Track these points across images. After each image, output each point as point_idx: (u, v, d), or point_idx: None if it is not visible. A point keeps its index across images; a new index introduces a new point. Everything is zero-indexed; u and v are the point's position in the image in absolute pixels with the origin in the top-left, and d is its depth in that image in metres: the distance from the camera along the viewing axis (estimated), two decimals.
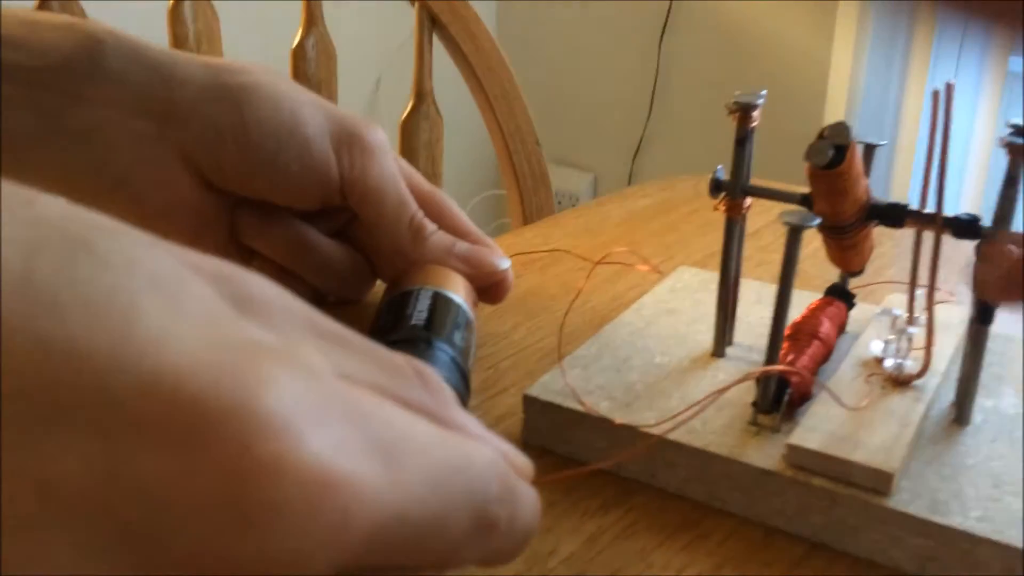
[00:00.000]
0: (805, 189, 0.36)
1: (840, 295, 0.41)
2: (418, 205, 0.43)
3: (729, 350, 0.40)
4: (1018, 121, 0.32)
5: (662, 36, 1.81)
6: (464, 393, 0.35)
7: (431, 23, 0.86)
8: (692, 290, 0.46)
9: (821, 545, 0.32)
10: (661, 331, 0.42)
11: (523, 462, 0.24)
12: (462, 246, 0.43)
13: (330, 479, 0.17)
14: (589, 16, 1.90)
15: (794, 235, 0.31)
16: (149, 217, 0.39)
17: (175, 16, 0.80)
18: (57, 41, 0.37)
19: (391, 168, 0.42)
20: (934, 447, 0.33)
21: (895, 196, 1.65)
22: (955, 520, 0.29)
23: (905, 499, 0.30)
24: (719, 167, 0.38)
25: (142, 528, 0.15)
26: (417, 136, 0.87)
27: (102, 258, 0.16)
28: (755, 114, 0.36)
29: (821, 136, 0.32)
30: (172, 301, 0.17)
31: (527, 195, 0.89)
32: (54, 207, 0.17)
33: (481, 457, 0.22)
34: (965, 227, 0.33)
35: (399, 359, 0.22)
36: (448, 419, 0.22)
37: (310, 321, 0.21)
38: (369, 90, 1.74)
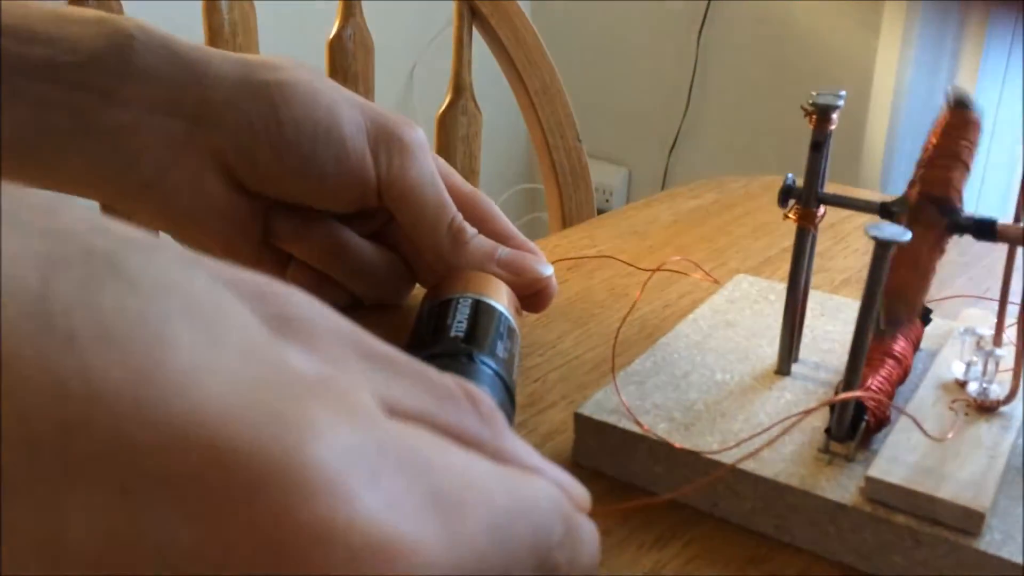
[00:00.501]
0: (884, 197, 0.33)
1: None
2: (458, 207, 0.41)
3: (795, 367, 0.37)
4: None
5: (701, 30, 1.78)
6: (510, 410, 0.33)
7: (471, 15, 0.83)
8: (751, 300, 0.43)
9: None
10: (720, 345, 0.39)
11: (581, 494, 0.22)
12: (504, 251, 0.41)
13: (386, 543, 0.14)
14: (626, 9, 1.87)
15: (882, 251, 0.29)
16: (179, 220, 0.38)
17: (211, 7, 0.78)
18: (86, 37, 0.35)
19: (430, 169, 0.40)
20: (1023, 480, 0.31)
21: None
22: None
23: (997, 540, 0.28)
24: (790, 174, 0.35)
25: None
26: (455, 130, 0.85)
27: (131, 279, 0.14)
28: (834, 116, 0.33)
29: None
30: (208, 331, 0.15)
31: (566, 191, 0.86)
32: (81, 218, 0.15)
33: (545, 497, 0.20)
34: None
35: (449, 382, 0.20)
36: (504, 451, 0.20)
37: (356, 342, 0.19)
38: (402, 83, 1.72)
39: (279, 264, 0.41)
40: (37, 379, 0.13)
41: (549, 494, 0.20)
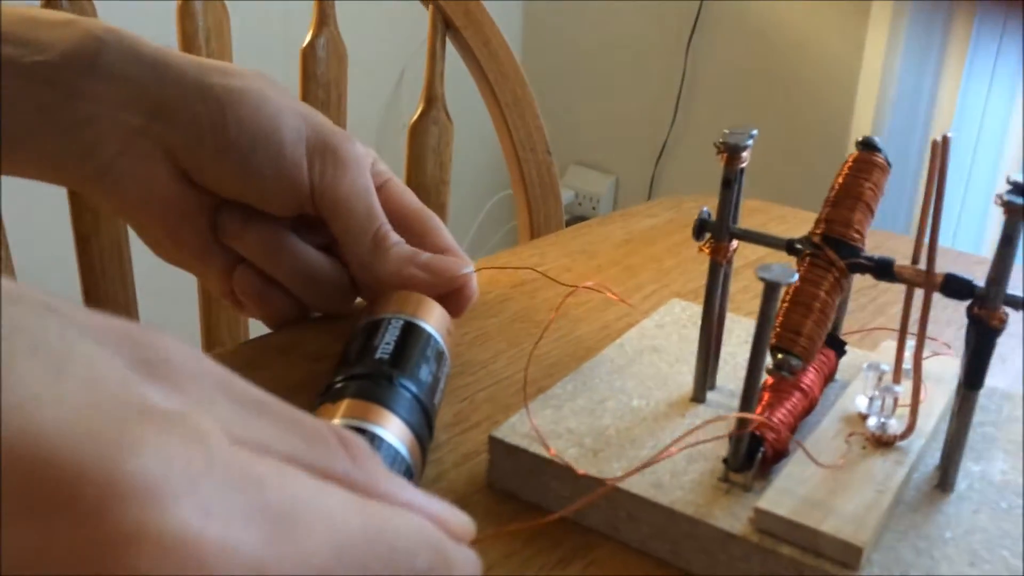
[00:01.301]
0: (792, 234, 0.34)
1: (830, 342, 0.39)
2: (405, 221, 0.43)
3: (711, 395, 0.38)
4: (1018, 178, 0.30)
5: (690, 39, 1.79)
6: (425, 434, 0.34)
7: (444, 27, 0.84)
8: (680, 325, 0.44)
9: None
10: (642, 370, 0.40)
11: (460, 524, 0.23)
12: (423, 256, 0.42)
13: (197, 545, 0.16)
14: (617, 17, 1.88)
15: (771, 291, 0.30)
16: (129, 206, 0.41)
17: (185, 12, 0.79)
18: (57, 38, 0.38)
19: (363, 182, 0.42)
20: (912, 515, 0.32)
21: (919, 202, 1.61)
22: None
23: (874, 573, 0.29)
24: (704, 208, 0.36)
25: None
26: (426, 140, 0.86)
27: None
28: (745, 155, 0.34)
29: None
30: (53, 367, 0.16)
31: (535, 204, 0.87)
32: None
33: (406, 526, 0.21)
34: (958, 287, 0.31)
35: (322, 426, 0.21)
36: (373, 487, 0.21)
37: (226, 386, 0.20)
38: (388, 92, 1.73)
39: (229, 262, 0.43)
40: None
41: (414, 525, 0.21)
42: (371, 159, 0.44)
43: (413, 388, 0.34)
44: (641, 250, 0.59)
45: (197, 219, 0.41)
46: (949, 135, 0.30)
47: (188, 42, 0.79)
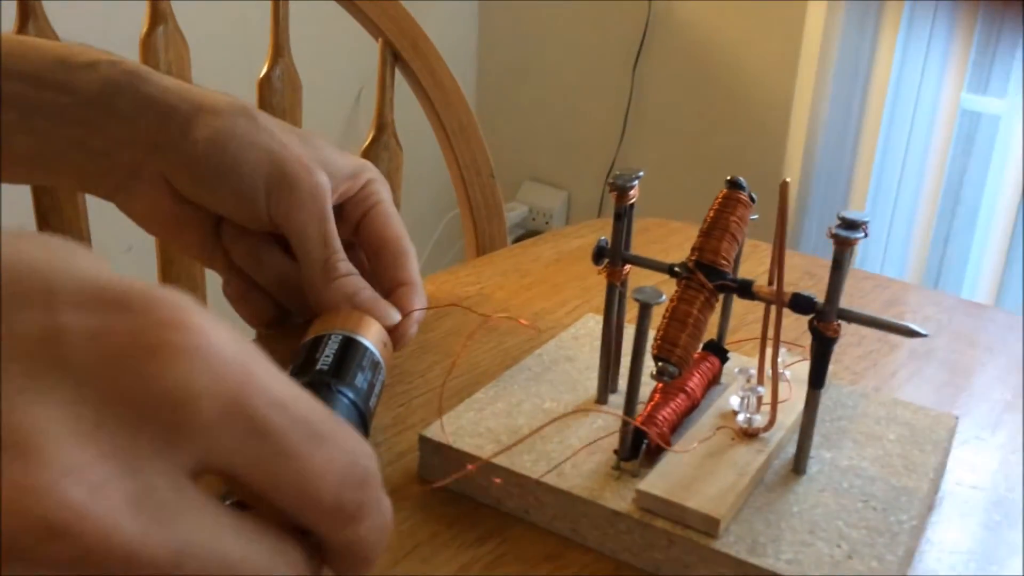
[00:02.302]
0: (676, 259, 0.40)
1: (714, 350, 0.45)
2: (376, 247, 0.49)
3: (612, 397, 0.44)
4: (846, 215, 0.37)
5: (637, 58, 1.86)
6: (362, 433, 0.40)
7: (393, 58, 0.90)
8: (593, 337, 0.50)
9: None
10: (556, 377, 0.46)
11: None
12: (364, 295, 0.46)
13: (71, 516, 0.19)
14: (567, 39, 1.95)
15: (644, 310, 0.36)
16: (141, 217, 0.50)
17: (147, 46, 0.84)
18: (85, 83, 0.46)
19: (319, 212, 0.47)
20: (768, 494, 0.38)
21: (854, 204, 1.69)
22: (768, 562, 0.34)
23: (730, 541, 0.35)
24: (602, 237, 0.42)
25: None
26: (377, 165, 0.91)
27: None
28: (632, 192, 0.41)
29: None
30: None
31: (480, 225, 0.93)
32: None
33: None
34: (802, 304, 0.37)
35: None
36: None
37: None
38: (343, 118, 1.78)
39: (230, 262, 0.50)
40: None
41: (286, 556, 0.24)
42: (364, 179, 0.50)
43: (350, 394, 0.40)
44: (567, 269, 0.65)
45: (196, 229, 0.49)
46: (788, 180, 0.36)
47: None
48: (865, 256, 1.73)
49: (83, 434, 0.20)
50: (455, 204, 2.15)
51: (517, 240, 2.11)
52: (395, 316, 0.46)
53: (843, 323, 0.37)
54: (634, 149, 1.93)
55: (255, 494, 0.23)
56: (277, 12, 0.87)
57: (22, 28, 0.77)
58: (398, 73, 0.91)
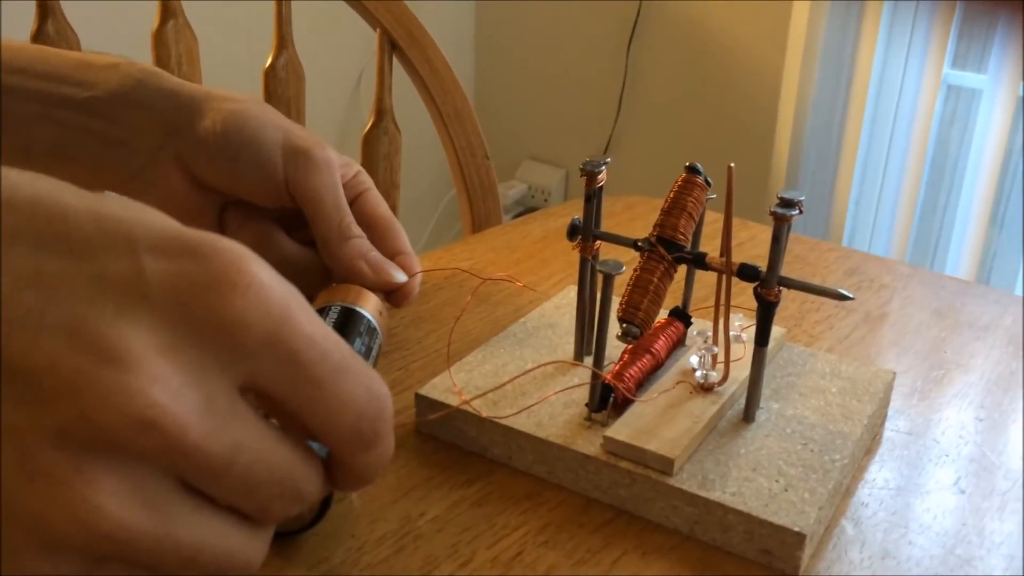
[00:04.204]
0: (642, 234, 0.46)
1: (679, 316, 0.51)
2: (370, 224, 0.54)
3: (587, 359, 0.50)
4: (785, 194, 0.42)
5: (630, 41, 1.90)
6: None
7: (391, 47, 0.95)
8: (573, 307, 0.56)
9: (625, 512, 0.42)
10: (538, 342, 0.52)
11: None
12: (374, 255, 0.52)
13: (160, 416, 0.25)
14: (563, 20, 1.99)
15: (607, 280, 0.41)
16: (154, 204, 0.53)
17: (158, 39, 0.89)
18: (104, 79, 0.51)
19: (330, 178, 0.52)
20: (720, 439, 0.43)
21: (840, 189, 1.74)
22: (715, 495, 0.40)
23: (683, 478, 0.41)
24: (576, 217, 0.48)
25: None
26: (378, 149, 0.96)
27: None
28: (600, 177, 0.46)
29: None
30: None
31: (476, 204, 0.98)
32: None
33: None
34: (748, 273, 0.43)
35: None
36: None
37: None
38: (344, 105, 1.83)
39: None
40: None
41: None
42: (355, 170, 0.55)
43: None
44: (554, 245, 0.70)
45: (207, 215, 0.53)
46: (732, 165, 0.41)
47: (161, 66, 0.89)
48: (855, 230, 1.78)
49: (163, 352, 0.25)
50: (453, 184, 2.21)
51: (516, 217, 2.16)
52: (401, 276, 0.51)
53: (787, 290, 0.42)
54: (629, 127, 1.97)
55: (289, 416, 0.29)
56: (280, 6, 0.92)
57: (41, 26, 0.82)
58: (396, 61, 0.96)
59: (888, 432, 0.48)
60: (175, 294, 0.26)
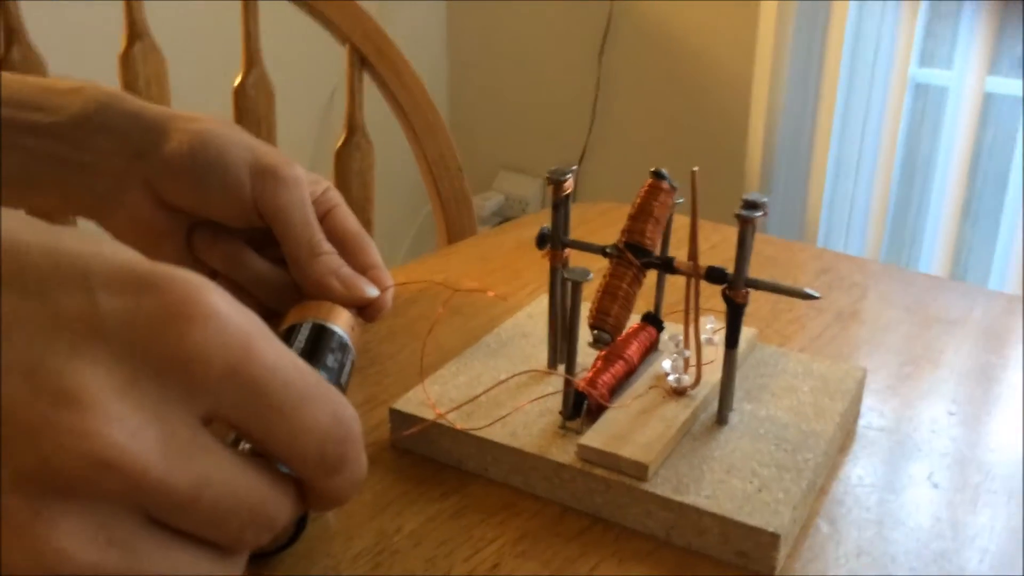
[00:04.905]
0: (609, 241, 0.46)
1: (652, 321, 0.51)
2: (340, 239, 0.53)
3: (561, 367, 0.50)
4: (749, 196, 0.42)
5: (602, 49, 1.91)
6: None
7: (361, 63, 0.95)
8: (547, 316, 0.56)
9: (601, 519, 0.42)
10: (512, 352, 0.52)
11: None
12: (345, 270, 0.52)
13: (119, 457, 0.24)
14: (535, 30, 2.00)
15: (575, 287, 0.41)
16: (120, 228, 0.53)
17: (126, 62, 0.89)
18: (68, 103, 0.50)
19: (300, 197, 0.52)
20: (693, 443, 0.43)
21: (812, 189, 1.75)
22: (689, 498, 0.40)
23: (657, 483, 0.41)
24: (544, 226, 0.48)
25: None
26: (350, 165, 0.96)
27: None
28: (567, 185, 0.46)
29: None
30: None
31: (451, 217, 0.98)
32: None
33: None
34: (716, 275, 0.43)
35: None
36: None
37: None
38: (316, 120, 1.82)
39: (205, 276, 0.53)
40: None
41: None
42: (324, 186, 0.55)
43: (323, 374, 0.45)
44: (527, 254, 0.70)
45: (174, 238, 0.53)
46: (696, 169, 0.41)
47: (129, 88, 0.89)
48: (829, 230, 1.79)
49: (121, 390, 0.25)
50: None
51: (496, 227, 2.15)
52: (373, 290, 0.51)
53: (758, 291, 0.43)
54: (604, 135, 1.98)
55: (256, 441, 0.28)
56: (248, 23, 0.92)
57: (7, 52, 0.81)
58: (367, 76, 0.96)
59: (861, 429, 0.49)
60: (131, 330, 0.25)
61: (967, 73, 1.56)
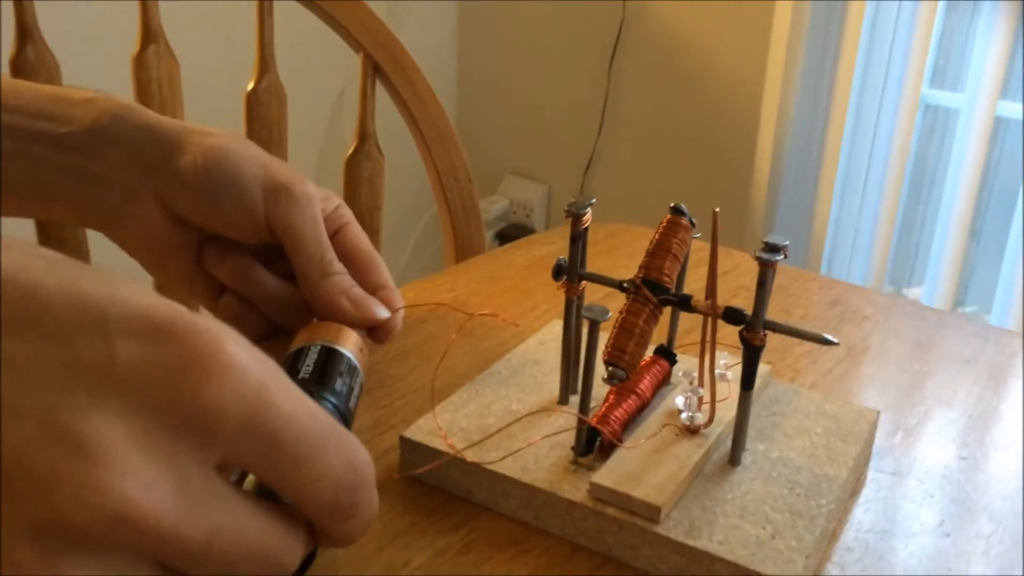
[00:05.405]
0: (623, 265, 0.46)
1: (664, 354, 0.51)
2: (351, 258, 0.53)
3: (573, 398, 0.50)
4: (770, 239, 0.42)
5: (612, 57, 1.91)
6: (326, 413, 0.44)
7: (374, 71, 0.95)
8: (559, 341, 0.55)
9: (613, 559, 0.41)
10: (523, 380, 0.51)
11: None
12: (356, 291, 0.52)
13: (132, 510, 0.24)
14: (546, 35, 1.99)
15: (593, 326, 0.41)
16: (131, 241, 0.52)
17: (139, 63, 0.88)
18: (80, 114, 0.50)
19: (312, 215, 0.52)
20: (706, 483, 0.43)
21: (820, 206, 1.75)
22: (702, 543, 0.39)
23: (670, 525, 0.40)
24: (561, 258, 0.47)
25: None
26: (360, 173, 0.96)
27: None
28: (585, 218, 0.46)
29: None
30: None
31: (459, 227, 0.98)
32: None
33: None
34: (734, 317, 0.43)
35: None
36: None
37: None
38: (325, 126, 1.82)
39: (209, 289, 0.54)
40: None
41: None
42: (335, 203, 0.55)
43: (332, 399, 0.44)
44: (538, 275, 0.70)
45: (184, 252, 0.53)
46: (717, 210, 0.41)
47: (142, 90, 0.88)
48: (835, 247, 1.79)
49: (135, 441, 0.25)
50: (432, 203, 2.21)
51: (499, 233, 2.16)
52: (384, 312, 0.51)
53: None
54: (611, 143, 1.98)
55: (268, 486, 0.28)
56: (262, 29, 0.92)
57: (20, 50, 0.81)
58: (379, 85, 0.95)
59: (872, 472, 0.48)
60: (148, 381, 0.25)
61: (979, 95, 1.56)
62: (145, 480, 0.24)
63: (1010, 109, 1.59)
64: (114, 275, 0.27)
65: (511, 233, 2.10)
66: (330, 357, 0.47)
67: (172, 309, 0.26)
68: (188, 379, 0.25)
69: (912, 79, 1.60)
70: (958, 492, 0.47)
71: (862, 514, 0.45)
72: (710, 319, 0.44)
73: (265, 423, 0.27)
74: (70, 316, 0.25)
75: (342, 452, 0.29)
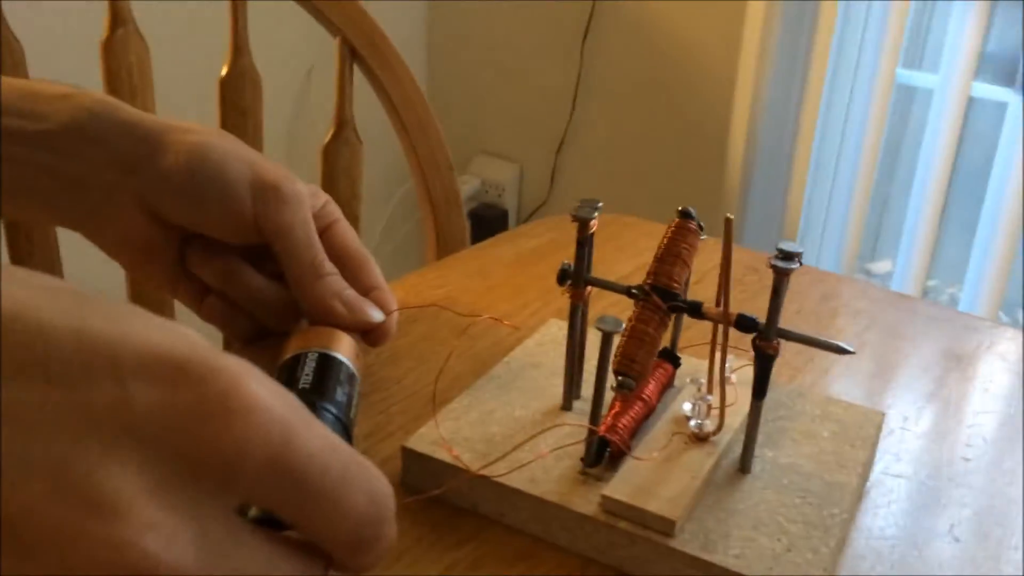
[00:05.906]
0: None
1: (668, 357, 0.50)
2: (341, 257, 0.51)
3: (577, 403, 0.49)
4: (784, 246, 0.41)
5: (585, 37, 1.89)
6: (347, 442, 0.43)
7: (351, 55, 0.92)
8: (557, 343, 0.54)
9: (625, 573, 0.41)
10: (524, 384, 0.50)
11: None
12: (349, 293, 0.50)
13: (152, 563, 0.23)
14: (518, 13, 1.97)
15: (607, 338, 0.40)
16: (111, 243, 0.50)
17: (108, 50, 0.85)
18: (55, 111, 0.47)
19: (303, 215, 0.50)
20: (718, 493, 0.43)
21: (794, 187, 1.75)
22: (718, 558, 0.39)
23: (685, 539, 0.40)
24: (565, 261, 0.46)
25: None
26: (338, 161, 0.94)
27: None
28: (592, 223, 0.45)
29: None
30: None
31: (441, 218, 0.96)
32: None
33: None
34: (746, 325, 0.42)
35: None
36: None
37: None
38: (290, 107, 1.78)
39: (193, 290, 0.52)
40: None
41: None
42: (323, 200, 0.53)
43: (333, 410, 0.43)
44: (527, 270, 0.69)
45: (165, 253, 0.50)
46: (730, 217, 0.40)
47: (112, 77, 0.85)
48: (808, 226, 1.80)
49: (153, 491, 0.23)
50: (399, 186, 2.18)
51: (470, 212, 2.13)
52: (378, 315, 0.49)
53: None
54: (584, 122, 1.96)
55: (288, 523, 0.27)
56: (236, 13, 0.89)
57: None
58: (356, 70, 0.93)
59: (878, 475, 0.48)
60: (166, 426, 0.24)
61: (952, 76, 1.57)
62: (166, 533, 0.23)
63: (985, 90, 1.60)
64: (122, 308, 0.25)
65: (482, 213, 2.08)
66: (328, 365, 0.45)
67: (189, 346, 0.25)
68: (209, 424, 0.24)
69: (887, 59, 1.60)
70: (966, 495, 0.47)
71: (871, 520, 0.45)
72: (721, 328, 0.43)
73: (288, 462, 0.25)
74: (79, 359, 0.23)
75: (364, 485, 0.28)
